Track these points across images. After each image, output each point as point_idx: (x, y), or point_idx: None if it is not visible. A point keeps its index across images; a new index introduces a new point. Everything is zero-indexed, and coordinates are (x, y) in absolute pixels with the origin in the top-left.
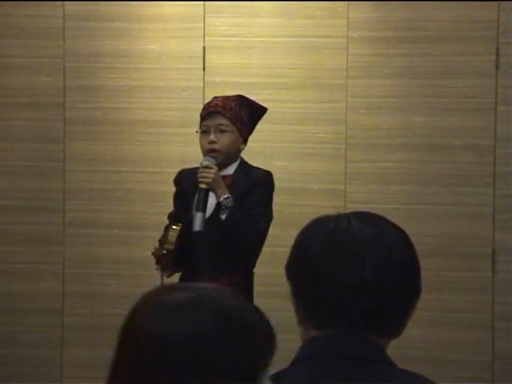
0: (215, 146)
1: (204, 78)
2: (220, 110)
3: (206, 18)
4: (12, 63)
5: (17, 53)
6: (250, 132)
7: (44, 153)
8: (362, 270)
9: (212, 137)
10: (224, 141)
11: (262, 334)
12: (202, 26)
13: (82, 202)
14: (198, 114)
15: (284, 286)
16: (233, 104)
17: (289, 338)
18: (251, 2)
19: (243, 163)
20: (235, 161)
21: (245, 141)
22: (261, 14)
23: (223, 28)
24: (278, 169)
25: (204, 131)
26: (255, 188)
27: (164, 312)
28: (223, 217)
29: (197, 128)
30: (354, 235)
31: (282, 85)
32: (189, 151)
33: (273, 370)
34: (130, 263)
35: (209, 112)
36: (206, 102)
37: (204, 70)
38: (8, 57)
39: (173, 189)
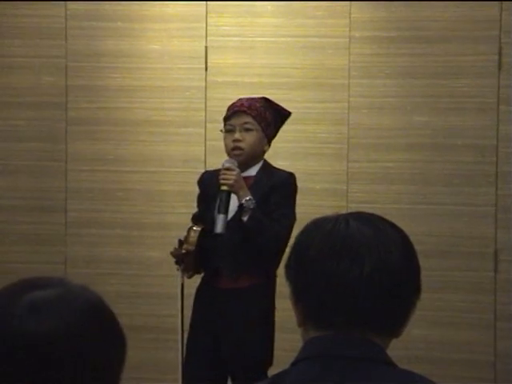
0: (240, 145)
1: (206, 78)
2: (245, 109)
3: (208, 17)
4: (14, 63)
5: (19, 52)
6: (274, 135)
7: (46, 152)
8: (361, 270)
9: (237, 135)
10: (249, 139)
11: (121, 329)
12: (204, 25)
13: (83, 201)
14: (200, 114)
15: (288, 286)
16: (258, 105)
17: (290, 338)
18: (253, 2)
19: (266, 164)
20: (258, 162)
21: (269, 142)
22: (263, 13)
23: (225, 28)
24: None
25: (229, 130)
26: (277, 190)
27: (26, 311)
28: (245, 218)
29: (200, 128)
30: (353, 236)
31: (283, 84)
32: (191, 151)
33: (274, 370)
34: (132, 263)
35: (234, 111)
36: (231, 103)
37: (206, 69)
38: (10, 56)
39: (176, 189)
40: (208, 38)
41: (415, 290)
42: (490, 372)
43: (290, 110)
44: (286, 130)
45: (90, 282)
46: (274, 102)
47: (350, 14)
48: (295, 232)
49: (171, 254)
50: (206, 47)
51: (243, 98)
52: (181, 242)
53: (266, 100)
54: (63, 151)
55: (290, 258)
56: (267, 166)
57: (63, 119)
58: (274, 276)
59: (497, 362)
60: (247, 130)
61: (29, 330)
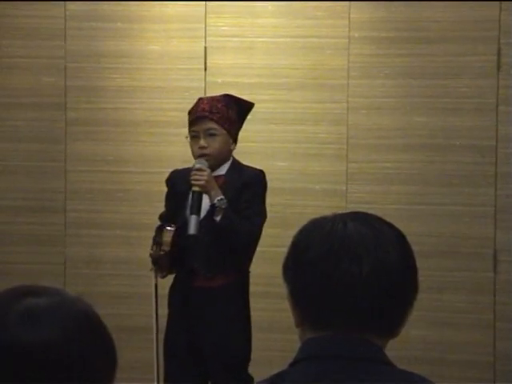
0: (206, 151)
1: (205, 79)
2: (207, 114)
3: (208, 18)
4: (14, 63)
5: (18, 53)
6: (240, 128)
7: (45, 153)
8: (360, 270)
9: (202, 142)
10: (214, 145)
11: (112, 339)
12: (203, 26)
13: (83, 202)
14: None
15: (285, 287)
16: (219, 105)
17: (291, 338)
18: (252, 3)
19: (235, 163)
20: (227, 161)
21: (234, 140)
22: (262, 14)
23: (224, 28)
24: (280, 169)
25: (194, 136)
26: (248, 188)
27: (22, 318)
28: (218, 218)
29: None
30: (351, 236)
31: (283, 85)
32: (190, 151)
33: (273, 371)
34: (131, 263)
35: (196, 117)
36: (192, 105)
37: (205, 70)
38: (10, 57)
39: None
40: (207, 39)
41: (413, 289)
42: (490, 373)
43: (290, 110)
44: (285, 130)
45: (89, 283)
46: (235, 97)
47: (349, 14)
48: (293, 232)
49: (150, 255)
50: (206, 48)
51: (204, 99)
52: (157, 243)
53: (227, 96)
54: (62, 152)
55: (287, 259)
56: (236, 164)
57: (63, 120)
58: (247, 272)
59: (496, 362)
60: (211, 135)
61: (24, 337)
